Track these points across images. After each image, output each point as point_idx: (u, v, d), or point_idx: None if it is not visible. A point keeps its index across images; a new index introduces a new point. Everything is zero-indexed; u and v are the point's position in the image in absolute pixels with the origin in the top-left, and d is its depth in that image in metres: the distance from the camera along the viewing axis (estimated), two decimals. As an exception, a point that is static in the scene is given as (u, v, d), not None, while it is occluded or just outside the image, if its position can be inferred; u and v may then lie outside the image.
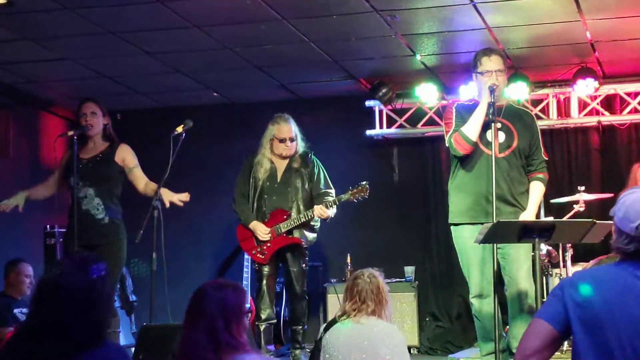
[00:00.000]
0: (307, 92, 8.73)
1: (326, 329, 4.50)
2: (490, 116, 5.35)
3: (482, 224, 5.04)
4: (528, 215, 5.41)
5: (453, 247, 5.61)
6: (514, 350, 5.10)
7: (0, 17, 6.32)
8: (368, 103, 8.66)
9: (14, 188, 6.33)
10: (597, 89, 7.99)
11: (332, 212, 6.50)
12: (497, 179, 5.26)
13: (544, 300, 3.27)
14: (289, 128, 6.59)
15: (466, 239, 5.39)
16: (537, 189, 5.51)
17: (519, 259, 5.35)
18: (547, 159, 5.63)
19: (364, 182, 6.49)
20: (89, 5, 6.21)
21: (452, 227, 5.57)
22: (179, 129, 5.90)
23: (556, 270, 7.22)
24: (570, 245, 7.06)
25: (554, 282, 7.13)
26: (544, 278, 7.15)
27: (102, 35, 6.80)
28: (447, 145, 5.53)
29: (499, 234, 4.88)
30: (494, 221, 5.01)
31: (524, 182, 5.52)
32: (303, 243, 6.55)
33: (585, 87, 7.91)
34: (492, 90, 5.34)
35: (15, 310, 6.75)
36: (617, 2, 6.34)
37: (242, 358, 3.07)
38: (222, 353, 3.06)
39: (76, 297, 2.68)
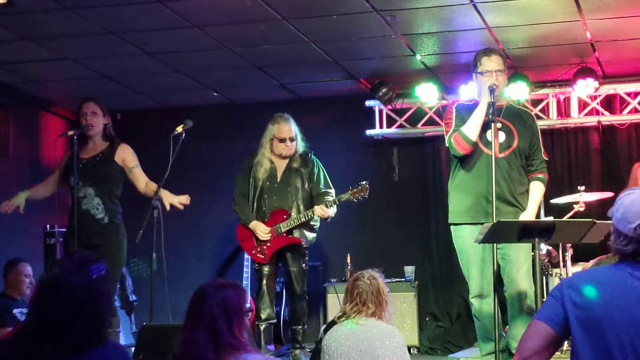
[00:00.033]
0: (307, 92, 8.74)
1: (326, 330, 4.49)
2: (490, 116, 5.35)
3: (482, 224, 5.04)
4: (528, 215, 5.41)
5: (453, 247, 5.61)
6: (513, 351, 5.10)
7: (0, 17, 6.32)
8: (368, 103, 8.67)
9: (14, 188, 6.33)
10: (597, 89, 7.99)
11: (332, 211, 6.50)
12: (497, 178, 5.26)
13: (544, 300, 3.27)
14: (289, 128, 6.59)
15: (466, 239, 5.39)
16: (537, 189, 5.51)
17: (519, 259, 5.35)
18: (547, 159, 5.63)
19: (364, 182, 6.49)
20: (89, 5, 6.21)
21: (452, 227, 5.57)
22: (179, 129, 5.90)
23: (556, 270, 7.22)
24: (570, 245, 7.06)
25: (554, 282, 7.13)
26: (544, 278, 7.16)
27: (102, 35, 6.80)
28: (447, 145, 5.53)
29: (499, 234, 4.88)
30: (494, 221, 5.01)
31: (524, 182, 5.52)
32: (303, 243, 6.55)
33: (585, 87, 7.91)
34: (492, 90, 5.34)
35: (15, 311, 6.75)
36: (617, 2, 6.34)
37: (245, 358, 3.07)
38: (224, 353, 3.06)
39: (76, 297, 2.68)
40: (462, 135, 5.39)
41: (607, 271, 2.83)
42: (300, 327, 6.68)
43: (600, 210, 7.14)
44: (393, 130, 8.79)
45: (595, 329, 2.72)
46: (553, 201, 7.33)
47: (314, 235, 6.65)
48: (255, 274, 6.80)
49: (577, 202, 7.09)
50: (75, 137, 5.90)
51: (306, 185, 6.58)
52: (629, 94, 8.27)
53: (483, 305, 5.42)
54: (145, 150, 6.43)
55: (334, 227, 7.60)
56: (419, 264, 8.29)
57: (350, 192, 6.48)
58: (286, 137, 6.57)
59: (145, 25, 6.66)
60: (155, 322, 5.54)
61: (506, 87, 5.99)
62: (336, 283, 7.67)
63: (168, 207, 5.85)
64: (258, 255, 6.59)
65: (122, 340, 7.17)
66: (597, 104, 8.31)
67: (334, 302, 7.42)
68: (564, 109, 8.44)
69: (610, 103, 8.35)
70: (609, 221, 2.89)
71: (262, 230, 6.50)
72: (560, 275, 7.11)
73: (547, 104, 8.42)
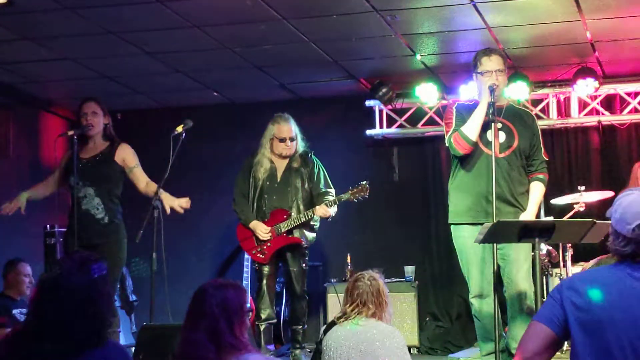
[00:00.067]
0: (307, 92, 8.74)
1: (326, 331, 4.49)
2: (491, 116, 5.35)
3: (482, 224, 5.03)
4: (528, 215, 5.41)
5: (453, 247, 5.61)
6: (513, 351, 5.11)
7: (0, 17, 6.32)
8: (368, 103, 8.67)
9: (14, 188, 6.33)
10: (597, 89, 7.99)
11: (333, 210, 6.50)
12: (498, 178, 5.26)
13: (544, 300, 3.27)
14: (289, 128, 6.59)
15: (466, 239, 5.39)
16: (537, 190, 5.51)
17: (519, 260, 5.35)
18: (547, 159, 5.63)
19: (364, 182, 6.49)
20: (89, 5, 6.21)
21: (452, 227, 5.57)
22: (179, 129, 5.89)
23: (556, 270, 7.22)
24: (570, 245, 7.06)
25: (554, 282, 7.13)
26: (544, 278, 7.16)
27: (102, 35, 6.80)
28: (447, 145, 5.53)
29: (499, 234, 4.88)
30: (494, 221, 5.01)
31: (524, 183, 5.52)
32: (303, 243, 6.55)
33: (585, 87, 7.91)
34: (492, 90, 5.34)
35: (15, 311, 6.75)
36: (617, 2, 6.34)
37: (246, 358, 3.07)
38: (225, 353, 3.06)
39: (76, 297, 2.68)
40: (462, 135, 5.39)
41: (607, 272, 2.83)
42: (300, 327, 6.68)
43: (600, 210, 7.13)
44: (393, 130, 8.79)
45: (595, 330, 2.71)
46: (553, 201, 7.33)
47: (314, 235, 6.65)
48: (255, 274, 6.80)
49: (577, 202, 7.09)
50: (75, 137, 5.90)
51: (306, 185, 6.58)
52: (629, 94, 8.27)
53: (483, 305, 5.41)
54: (145, 150, 6.42)
55: (334, 227, 7.61)
56: (419, 264, 8.29)
57: (350, 192, 6.48)
58: (286, 137, 6.57)
59: (145, 25, 6.66)
60: (155, 322, 5.54)
61: (506, 87, 5.99)
62: (336, 283, 7.68)
63: (168, 211, 5.83)
64: (258, 255, 6.58)
65: (122, 340, 7.17)
66: (597, 104, 8.31)
67: (334, 302, 7.42)
68: (564, 109, 8.44)
69: (610, 103, 8.35)
70: (609, 221, 2.88)
71: (262, 230, 6.50)
72: (560, 275, 7.11)
73: (547, 104, 8.42)
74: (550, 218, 6.83)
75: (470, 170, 5.47)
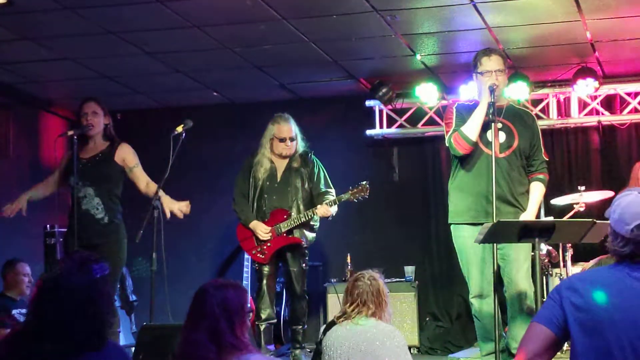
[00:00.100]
0: (307, 92, 8.74)
1: (325, 331, 4.49)
2: (491, 116, 5.35)
3: (482, 224, 5.03)
4: (528, 215, 5.41)
5: (453, 247, 5.61)
6: (513, 351, 5.12)
7: (0, 17, 6.32)
8: (368, 103, 8.67)
9: (14, 188, 6.34)
10: (597, 89, 7.99)
11: (333, 210, 6.51)
12: (498, 179, 5.26)
13: (544, 300, 3.26)
14: (289, 127, 6.59)
15: (466, 239, 5.39)
16: (537, 190, 5.51)
17: (518, 260, 5.35)
18: (547, 159, 5.63)
19: (364, 182, 6.49)
20: (89, 5, 6.21)
21: (452, 227, 5.57)
22: (179, 129, 5.89)
23: (556, 270, 7.22)
24: (570, 245, 7.06)
25: (554, 282, 7.13)
26: (544, 278, 7.16)
27: (102, 35, 6.80)
28: (447, 145, 5.53)
29: (499, 234, 4.88)
30: (494, 221, 5.01)
31: (524, 183, 5.51)
32: (303, 243, 6.55)
33: (585, 87, 7.91)
34: (492, 90, 5.34)
35: (14, 311, 6.74)
36: (617, 2, 6.34)
37: (247, 358, 3.07)
38: (226, 353, 3.06)
39: (76, 297, 2.68)
40: (462, 135, 5.39)
41: (606, 272, 2.83)
42: (300, 327, 6.67)
43: (600, 210, 7.11)
44: (393, 130, 8.79)
45: (595, 330, 2.71)
46: (553, 201, 7.33)
47: (314, 235, 6.65)
48: (255, 274, 6.80)
49: (577, 202, 7.09)
50: (75, 137, 5.90)
51: (306, 185, 6.57)
52: (629, 94, 8.27)
53: (483, 305, 5.41)
54: (145, 150, 6.42)
55: (334, 227, 7.61)
56: (419, 264, 8.29)
57: (350, 192, 6.48)
58: (286, 137, 6.57)
59: (145, 25, 6.66)
60: (155, 322, 5.54)
61: (506, 87, 5.99)
62: (336, 283, 7.68)
63: (168, 215, 5.81)
64: (258, 255, 6.58)
65: (122, 340, 7.17)
66: (597, 104, 8.31)
67: (334, 302, 7.42)
68: (564, 109, 8.44)
69: (610, 103, 8.35)
70: (608, 221, 2.88)
71: (262, 230, 6.50)
72: (560, 275, 7.11)
73: (547, 104, 8.42)
74: (550, 218, 6.83)
75: (470, 170, 5.47)
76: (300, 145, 6.65)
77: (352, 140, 8.84)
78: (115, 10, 6.29)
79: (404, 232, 8.68)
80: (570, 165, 8.42)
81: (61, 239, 7.54)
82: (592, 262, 6.66)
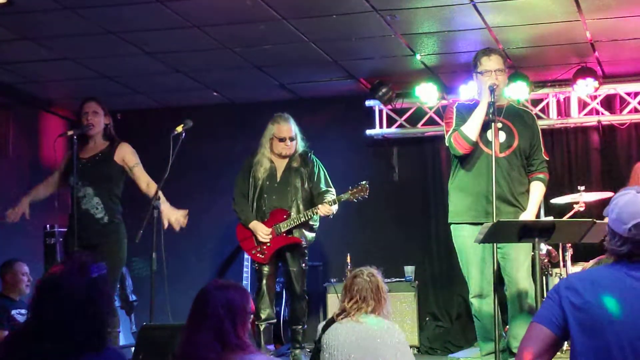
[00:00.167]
0: (307, 92, 8.74)
1: (325, 329, 4.49)
2: (491, 116, 5.35)
3: (482, 223, 5.04)
4: (528, 215, 5.41)
5: (453, 247, 5.61)
6: (514, 350, 5.12)
7: (0, 17, 6.32)
8: (368, 103, 8.67)
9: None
10: (597, 89, 7.99)
11: (334, 208, 6.51)
12: (498, 178, 5.26)
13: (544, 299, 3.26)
14: (289, 127, 6.58)
15: (466, 239, 5.39)
16: (537, 189, 5.51)
17: (518, 259, 5.35)
18: (547, 159, 5.63)
19: (363, 182, 6.49)
20: (89, 5, 6.21)
21: (452, 227, 5.57)
22: (179, 129, 5.89)
23: (556, 270, 7.22)
24: (570, 245, 7.06)
25: (554, 281, 7.13)
26: (544, 278, 7.16)
27: (102, 35, 6.80)
28: (447, 144, 5.53)
29: (499, 234, 4.88)
30: (494, 221, 5.01)
31: (524, 182, 5.51)
32: (303, 243, 6.55)
33: (585, 87, 7.91)
34: (492, 90, 5.34)
35: (13, 312, 6.74)
36: (617, 2, 6.34)
37: (250, 358, 3.07)
38: (229, 353, 3.06)
39: (76, 297, 2.68)
40: (462, 134, 5.39)
41: (605, 272, 2.82)
42: (300, 327, 6.67)
43: (600, 210, 7.05)
44: (393, 130, 8.79)
45: (594, 330, 2.71)
46: (553, 201, 7.33)
47: (314, 235, 6.65)
48: (255, 274, 6.80)
49: (577, 202, 7.09)
50: (75, 137, 5.89)
51: (306, 185, 6.57)
52: (629, 94, 8.27)
53: (483, 305, 5.41)
54: (145, 150, 6.42)
55: (334, 227, 7.61)
56: (419, 264, 8.29)
57: (350, 192, 6.48)
58: (286, 137, 6.57)
59: (145, 25, 6.66)
60: (155, 322, 5.53)
61: (506, 87, 5.99)
62: (336, 283, 7.68)
63: (166, 225, 5.77)
64: (258, 255, 6.58)
65: (122, 340, 7.17)
66: (597, 103, 8.31)
67: (334, 302, 7.42)
68: (564, 109, 8.44)
69: (610, 103, 8.35)
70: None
71: (262, 231, 6.49)
72: (560, 275, 7.12)
73: (547, 104, 8.42)
74: (550, 218, 6.83)
75: (471, 170, 5.47)
76: (300, 145, 6.65)
77: (352, 140, 8.85)
78: (115, 10, 6.29)
79: (403, 232, 8.68)
80: (570, 165, 8.43)
81: (61, 239, 7.54)
82: (591, 262, 6.67)
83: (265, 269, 6.58)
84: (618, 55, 7.65)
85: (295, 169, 6.59)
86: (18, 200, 6.15)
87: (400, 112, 8.74)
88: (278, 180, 6.59)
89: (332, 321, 4.50)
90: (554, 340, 2.79)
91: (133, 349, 5.01)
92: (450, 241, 5.62)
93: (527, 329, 2.88)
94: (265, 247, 6.54)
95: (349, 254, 7.99)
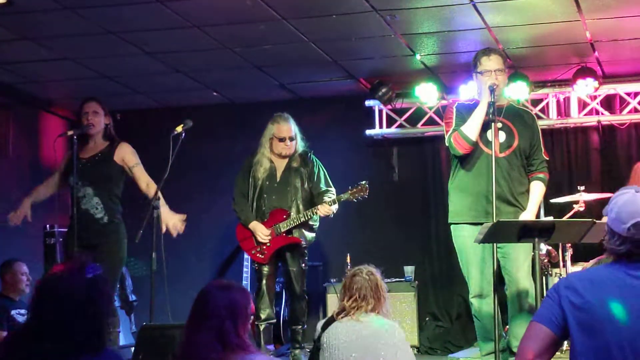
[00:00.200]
0: (307, 92, 8.74)
1: (324, 328, 4.49)
2: (491, 116, 5.35)
3: (482, 223, 5.04)
4: (528, 215, 5.41)
5: (453, 247, 5.61)
6: (515, 350, 5.11)
7: (0, 17, 6.32)
8: (368, 103, 8.67)
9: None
10: (597, 89, 7.99)
11: (334, 207, 6.51)
12: (498, 178, 5.26)
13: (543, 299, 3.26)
14: (289, 127, 6.59)
15: (466, 239, 5.39)
16: (537, 189, 5.51)
17: (519, 258, 5.35)
18: (547, 158, 5.63)
19: (363, 182, 6.49)
20: (89, 5, 6.21)
21: (452, 227, 5.57)
22: (179, 129, 5.89)
23: (556, 270, 7.22)
24: (570, 245, 7.06)
25: (554, 281, 7.12)
26: (544, 278, 7.16)
27: (102, 35, 6.80)
28: (447, 144, 5.53)
29: (498, 234, 4.88)
30: (494, 221, 5.01)
31: (524, 182, 5.51)
32: (302, 243, 6.55)
33: (585, 87, 7.91)
34: (492, 90, 5.34)
35: (13, 312, 6.74)
36: (617, 2, 6.34)
37: (251, 359, 3.07)
38: (230, 354, 3.05)
39: (76, 297, 2.68)
40: (462, 134, 5.39)
41: (604, 271, 2.82)
42: (300, 327, 6.67)
43: (600, 210, 7.09)
44: (393, 130, 8.79)
45: (594, 329, 2.71)
46: (553, 201, 7.33)
47: (313, 235, 6.65)
48: (255, 274, 6.80)
49: (577, 202, 7.09)
50: (75, 137, 5.89)
51: (306, 185, 6.57)
52: (628, 94, 8.27)
53: (483, 305, 5.41)
54: (145, 150, 6.42)
55: (333, 226, 7.61)
56: (419, 264, 8.29)
57: (349, 191, 6.48)
58: (286, 137, 6.57)
59: (145, 25, 6.66)
60: (155, 322, 5.53)
61: (506, 87, 5.98)
62: (336, 283, 7.68)
63: (164, 229, 5.79)
64: (258, 255, 6.58)
65: (122, 340, 7.17)
66: (597, 103, 8.31)
67: (334, 302, 7.41)
68: (563, 109, 8.44)
69: (610, 103, 8.35)
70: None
71: (262, 232, 6.49)
72: (560, 275, 7.12)
73: (547, 104, 8.42)
74: (550, 218, 6.83)
75: (471, 170, 5.47)
76: (299, 145, 6.65)
77: (352, 140, 8.85)
78: (115, 10, 6.29)
79: (403, 232, 8.68)
80: (570, 165, 8.43)
81: (61, 239, 7.54)
82: (591, 262, 6.66)
83: (265, 269, 6.58)
84: (618, 55, 7.66)
85: (295, 169, 6.59)
86: (19, 202, 6.15)
87: (400, 112, 8.74)
88: (278, 180, 6.59)
89: (331, 320, 4.49)
90: (554, 339, 2.79)
91: (133, 349, 5.01)
92: (450, 241, 5.62)
93: (526, 328, 2.88)
94: (265, 247, 6.54)
95: (349, 254, 7.99)
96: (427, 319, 8.32)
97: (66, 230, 6.34)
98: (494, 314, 5.25)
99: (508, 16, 6.62)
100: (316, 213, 6.47)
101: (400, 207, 8.77)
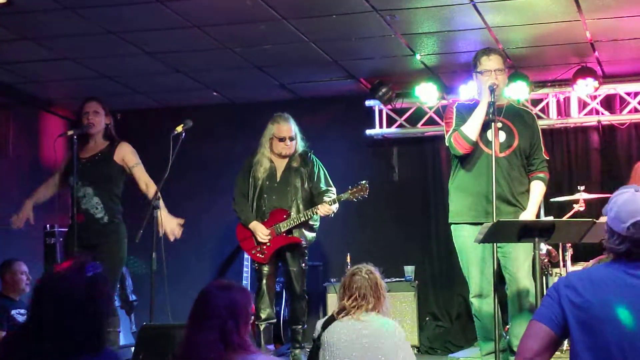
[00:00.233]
0: (307, 92, 8.74)
1: (324, 327, 4.48)
2: (491, 115, 5.35)
3: (482, 223, 5.04)
4: (528, 215, 5.41)
5: (453, 247, 5.61)
6: (515, 349, 5.11)
7: (0, 17, 6.32)
8: (368, 103, 8.67)
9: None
10: (597, 89, 7.99)
11: (335, 207, 6.51)
12: (498, 178, 5.26)
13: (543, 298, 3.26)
14: (289, 127, 6.59)
15: (466, 239, 5.39)
16: (537, 189, 5.51)
17: (519, 257, 5.35)
18: (548, 158, 5.63)
19: (363, 182, 6.49)
20: (89, 5, 6.21)
21: (452, 227, 5.57)
22: (179, 129, 5.89)
23: (556, 270, 7.22)
24: (570, 245, 7.06)
25: (554, 281, 7.08)
26: (544, 278, 7.16)
27: (102, 35, 6.80)
28: (447, 144, 5.53)
29: (499, 234, 4.88)
30: (494, 221, 5.01)
31: (524, 182, 5.51)
32: (302, 242, 6.55)
33: (585, 87, 7.91)
34: (492, 90, 5.34)
35: (13, 312, 6.73)
36: (617, 2, 6.34)
37: (253, 359, 3.07)
38: (232, 354, 3.05)
39: (76, 297, 2.68)
40: (462, 134, 5.39)
41: (604, 270, 2.82)
42: (300, 326, 6.68)
43: (600, 210, 7.10)
44: (393, 130, 8.79)
45: (593, 328, 2.71)
46: (553, 200, 7.33)
47: (314, 234, 6.65)
48: (255, 274, 6.80)
49: (577, 202, 7.09)
50: (75, 137, 5.89)
51: (306, 185, 6.58)
52: (629, 94, 8.27)
53: (483, 305, 5.41)
54: (145, 150, 6.42)
55: (333, 226, 7.60)
56: (419, 263, 8.29)
57: (350, 191, 6.49)
58: (286, 137, 6.57)
59: (145, 25, 6.66)
60: (155, 322, 5.54)
61: (506, 86, 5.98)
62: (336, 283, 7.67)
63: (161, 233, 5.80)
64: (258, 255, 6.58)
65: (122, 340, 7.17)
66: (597, 103, 8.31)
67: (334, 302, 7.40)
68: (563, 109, 8.44)
69: (610, 103, 8.35)
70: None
71: (262, 232, 6.49)
72: (560, 275, 7.11)
73: (547, 104, 8.42)
74: (550, 218, 6.83)
75: (471, 170, 5.47)
76: (299, 144, 6.65)
77: (352, 140, 8.85)
78: (115, 10, 6.29)
79: (403, 231, 8.68)
80: (570, 165, 8.43)
81: (61, 239, 7.54)
82: (592, 262, 6.66)
83: (265, 268, 6.58)
84: (618, 55, 7.66)
85: (295, 168, 6.59)
86: (20, 204, 6.15)
87: (400, 112, 8.74)
88: (278, 180, 6.59)
89: (332, 319, 4.49)
90: (554, 338, 2.79)
91: (133, 349, 5.01)
92: (450, 241, 5.62)
93: (526, 327, 2.88)
94: (265, 247, 6.54)
95: (349, 254, 7.99)
96: (427, 318, 8.32)
97: (66, 230, 6.34)
98: (494, 313, 5.25)
99: (508, 16, 6.62)
100: (316, 213, 6.48)
101: (400, 207, 8.77)
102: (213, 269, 8.88)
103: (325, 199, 6.48)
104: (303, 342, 6.72)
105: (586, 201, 7.08)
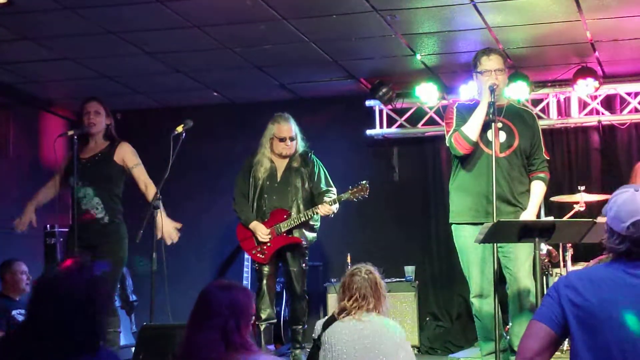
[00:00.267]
0: (307, 92, 8.74)
1: (325, 327, 4.48)
2: (491, 116, 5.35)
3: (482, 223, 5.04)
4: (528, 215, 5.41)
5: (453, 247, 5.61)
6: (516, 349, 5.11)
7: (0, 17, 6.32)
8: (368, 103, 8.67)
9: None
10: (597, 89, 7.99)
11: (335, 208, 6.51)
12: (498, 178, 5.26)
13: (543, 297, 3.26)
14: (289, 127, 6.59)
15: (467, 239, 5.39)
16: (538, 189, 5.51)
17: (520, 257, 5.35)
18: (548, 158, 5.63)
19: (363, 182, 6.49)
20: (89, 5, 6.21)
21: (452, 227, 5.57)
22: (179, 129, 5.89)
23: (556, 270, 7.22)
24: (570, 245, 7.06)
25: (554, 281, 7.10)
26: (544, 278, 7.16)
27: (102, 35, 6.80)
28: (447, 145, 5.53)
29: (499, 234, 4.88)
30: (494, 221, 5.01)
31: (525, 182, 5.52)
32: (303, 243, 6.55)
33: (585, 87, 7.91)
34: (492, 90, 5.34)
35: (14, 312, 6.73)
36: (617, 2, 6.33)
37: (254, 359, 3.06)
38: (234, 353, 3.05)
39: (76, 297, 2.68)
40: (463, 135, 5.39)
41: (603, 270, 2.82)
42: (301, 327, 6.68)
43: (600, 210, 7.11)
44: (393, 130, 8.79)
45: (593, 328, 2.71)
46: (553, 199, 7.33)
47: (314, 235, 6.65)
48: (255, 274, 6.80)
49: (577, 202, 7.09)
50: (75, 137, 5.90)
51: (306, 185, 6.58)
52: (629, 94, 8.27)
53: (483, 305, 5.41)
54: (145, 150, 6.42)
55: (334, 226, 7.60)
56: (419, 263, 8.29)
57: (350, 191, 6.49)
58: (286, 137, 6.57)
59: (145, 25, 6.66)
60: (155, 322, 5.54)
61: (506, 87, 5.99)
62: (336, 283, 7.66)
63: (159, 236, 5.80)
64: (258, 255, 6.58)
65: (122, 340, 7.16)
66: (597, 103, 8.31)
67: (334, 302, 7.39)
68: (564, 109, 8.44)
69: (611, 103, 8.35)
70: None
71: (262, 232, 6.49)
72: (561, 275, 7.11)
73: (547, 104, 8.42)
74: (551, 218, 6.83)
75: (471, 170, 5.47)
76: (300, 145, 6.65)
77: (352, 140, 8.84)
78: (115, 10, 6.29)
79: (404, 232, 8.68)
80: (570, 165, 8.43)
81: (61, 239, 7.54)
82: (592, 262, 6.66)
83: (266, 269, 6.58)
84: (618, 55, 7.65)
85: (295, 169, 6.59)
86: (22, 207, 6.15)
87: (400, 112, 8.74)
88: (278, 180, 6.59)
89: (332, 319, 4.49)
90: (554, 338, 2.79)
91: (133, 349, 5.02)
92: (451, 241, 5.63)
93: (527, 326, 2.88)
94: (265, 247, 6.54)
95: (349, 254, 7.98)
96: (427, 319, 8.32)
97: (67, 230, 6.34)
98: (494, 313, 5.25)
99: (508, 16, 6.62)
100: (317, 213, 6.48)
101: (401, 207, 8.77)
102: (213, 269, 8.88)
103: (326, 199, 6.48)
104: (303, 342, 6.72)
105: (586, 201, 7.08)
